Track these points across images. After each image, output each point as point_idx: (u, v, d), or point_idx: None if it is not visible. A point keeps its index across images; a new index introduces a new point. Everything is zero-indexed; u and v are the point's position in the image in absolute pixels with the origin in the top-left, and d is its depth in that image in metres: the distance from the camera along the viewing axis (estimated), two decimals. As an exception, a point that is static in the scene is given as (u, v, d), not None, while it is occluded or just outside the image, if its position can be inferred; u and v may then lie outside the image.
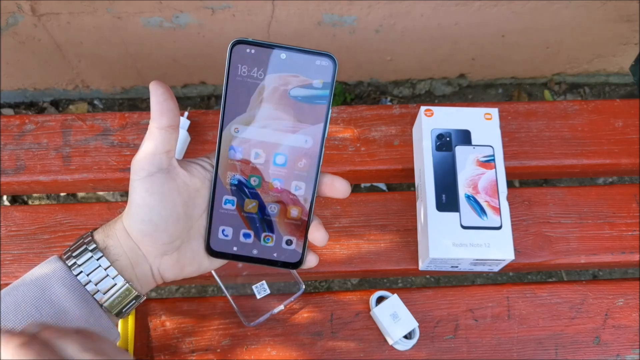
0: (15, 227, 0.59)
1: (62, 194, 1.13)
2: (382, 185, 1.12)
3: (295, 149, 0.39)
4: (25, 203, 1.14)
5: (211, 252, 0.41)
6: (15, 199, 1.13)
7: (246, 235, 0.41)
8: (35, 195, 1.14)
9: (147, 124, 0.63)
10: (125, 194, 1.12)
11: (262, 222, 0.41)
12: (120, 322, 0.54)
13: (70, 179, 0.61)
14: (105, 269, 0.38)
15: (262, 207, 0.40)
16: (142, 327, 0.55)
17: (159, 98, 0.37)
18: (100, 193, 1.14)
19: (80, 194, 1.13)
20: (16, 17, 0.92)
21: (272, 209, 0.40)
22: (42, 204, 1.12)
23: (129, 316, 0.54)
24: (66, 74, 1.11)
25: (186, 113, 0.62)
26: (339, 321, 0.56)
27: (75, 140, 0.62)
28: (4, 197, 1.12)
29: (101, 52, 1.03)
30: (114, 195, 1.14)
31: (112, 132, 0.63)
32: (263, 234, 0.41)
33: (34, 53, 1.02)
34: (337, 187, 0.40)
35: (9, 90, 1.16)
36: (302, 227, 0.41)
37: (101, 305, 0.39)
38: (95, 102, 1.21)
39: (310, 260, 0.41)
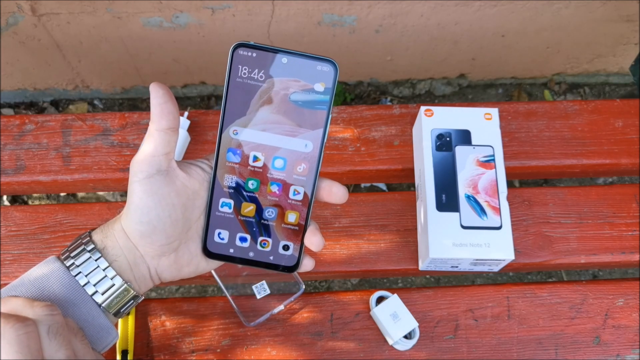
0: (15, 227, 0.59)
1: (62, 194, 1.13)
2: (382, 185, 1.12)
3: (295, 153, 0.39)
4: (25, 203, 1.14)
5: (208, 253, 0.41)
6: (15, 199, 1.13)
7: (243, 239, 0.41)
8: (35, 195, 1.14)
9: (147, 124, 0.63)
10: (125, 194, 1.12)
11: (259, 225, 0.41)
12: (120, 322, 0.54)
13: (70, 179, 0.61)
14: (103, 270, 0.39)
15: (259, 211, 0.40)
16: (142, 327, 0.55)
17: (159, 100, 0.37)
18: (100, 193, 1.14)
19: (80, 194, 1.13)
20: (16, 17, 0.92)
21: (270, 213, 0.40)
22: (42, 204, 1.12)
23: (129, 316, 0.54)
24: (66, 74, 1.11)
25: (186, 113, 0.62)
26: (339, 321, 0.56)
27: (75, 140, 0.62)
28: (4, 197, 1.12)
29: (101, 52, 1.03)
30: (114, 195, 1.14)
31: (112, 132, 0.63)
32: (260, 238, 0.41)
33: (34, 53, 1.02)
34: (335, 193, 0.40)
35: (9, 90, 1.16)
36: (299, 232, 0.40)
37: (99, 305, 0.39)
38: (95, 102, 1.21)
39: (306, 265, 0.41)
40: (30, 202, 1.14)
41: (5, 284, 0.56)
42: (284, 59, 0.38)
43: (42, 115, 0.64)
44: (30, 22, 0.94)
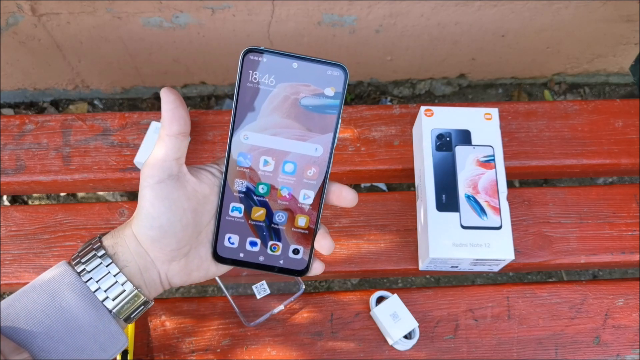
0: (15, 227, 0.59)
1: (62, 194, 1.13)
2: (382, 185, 1.12)
3: (305, 158, 0.39)
4: (25, 203, 1.14)
5: (218, 258, 0.41)
6: (15, 199, 1.13)
7: (253, 243, 0.41)
8: (35, 195, 1.14)
9: (147, 123, 0.63)
10: (125, 193, 1.12)
11: (269, 230, 0.41)
12: (120, 322, 0.54)
13: (70, 179, 0.61)
14: (114, 276, 0.39)
15: (269, 215, 0.40)
16: (142, 327, 0.55)
17: (170, 105, 0.37)
18: (100, 193, 1.14)
19: (80, 194, 1.13)
20: (16, 17, 0.92)
21: (280, 217, 0.40)
22: (42, 204, 1.12)
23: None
24: (66, 74, 1.11)
25: (186, 113, 0.62)
26: (339, 321, 0.56)
27: (75, 140, 0.62)
28: (4, 197, 1.12)
29: (101, 52, 1.03)
30: (114, 195, 1.14)
31: (112, 132, 0.63)
32: (270, 242, 0.41)
33: (34, 53, 1.02)
34: (345, 197, 0.40)
35: (9, 90, 1.16)
36: (309, 236, 0.41)
37: (110, 311, 0.39)
38: (95, 102, 1.21)
39: (316, 268, 0.41)
40: (30, 202, 1.14)
41: (6, 284, 0.57)
42: (294, 63, 0.38)
43: (42, 115, 0.64)
44: (30, 22, 0.94)
